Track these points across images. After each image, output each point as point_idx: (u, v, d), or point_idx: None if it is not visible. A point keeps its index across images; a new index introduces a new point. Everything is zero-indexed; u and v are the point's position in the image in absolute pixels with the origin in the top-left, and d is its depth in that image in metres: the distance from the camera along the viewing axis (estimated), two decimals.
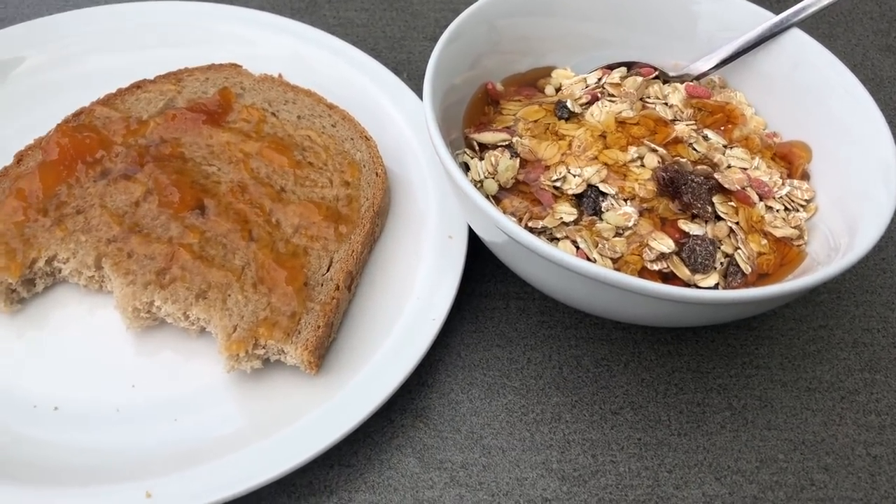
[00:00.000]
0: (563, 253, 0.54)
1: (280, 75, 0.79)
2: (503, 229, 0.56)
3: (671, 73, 0.77)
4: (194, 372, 0.62)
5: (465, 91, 0.71)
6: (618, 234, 0.63)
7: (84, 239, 0.64)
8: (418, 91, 0.79)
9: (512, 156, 0.68)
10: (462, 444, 0.62)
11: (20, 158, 0.69)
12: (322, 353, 0.61)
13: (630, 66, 0.77)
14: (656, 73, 0.76)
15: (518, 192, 0.67)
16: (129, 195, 0.67)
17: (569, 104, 0.70)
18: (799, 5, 0.72)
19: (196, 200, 0.67)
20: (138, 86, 0.75)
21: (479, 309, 0.70)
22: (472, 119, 0.72)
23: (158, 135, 0.71)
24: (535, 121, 0.70)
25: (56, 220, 0.65)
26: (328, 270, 0.64)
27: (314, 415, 0.58)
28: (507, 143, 0.69)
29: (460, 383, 0.65)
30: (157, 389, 0.60)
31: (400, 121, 0.77)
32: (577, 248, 0.63)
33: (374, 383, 0.60)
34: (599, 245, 0.63)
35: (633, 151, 0.67)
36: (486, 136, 0.69)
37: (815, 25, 0.99)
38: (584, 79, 0.75)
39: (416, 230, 0.70)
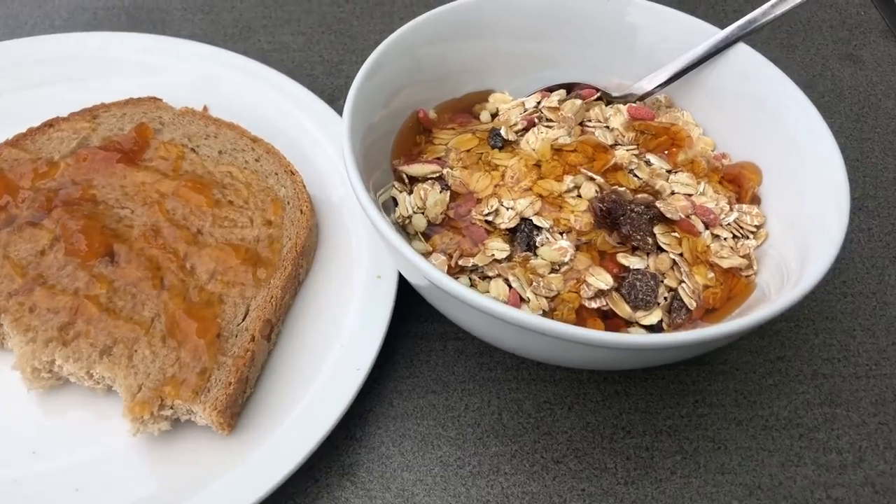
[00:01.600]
0: (487, 299, 0.50)
1: (205, 108, 0.75)
2: (424, 274, 0.52)
3: (614, 94, 0.73)
4: (101, 434, 0.57)
5: (391, 124, 0.67)
6: (553, 271, 0.59)
7: None
8: None
9: (442, 189, 0.64)
10: (392, 503, 0.58)
11: None
12: (236, 412, 0.57)
13: (571, 87, 0.73)
14: (598, 94, 0.72)
15: (449, 226, 0.63)
16: (34, 244, 0.63)
17: (503, 132, 0.66)
18: (745, 19, 0.69)
19: (105, 247, 0.62)
20: (50, 124, 0.71)
21: (414, 352, 0.65)
22: (402, 149, 0.68)
23: (69, 177, 0.67)
24: (468, 150, 0.66)
25: None
26: (244, 319, 0.60)
27: (229, 477, 0.54)
28: (437, 174, 0.65)
29: (391, 435, 0.61)
30: (61, 456, 0.56)
31: (330, 152, 0.73)
32: (511, 287, 0.59)
33: (293, 441, 0.55)
34: (534, 283, 0.59)
35: (569, 181, 0.63)
36: (416, 169, 0.65)
37: (772, 35, 0.95)
38: (523, 103, 0.71)
39: (345, 270, 0.66)
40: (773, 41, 0.95)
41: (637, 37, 0.70)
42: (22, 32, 0.87)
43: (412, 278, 0.58)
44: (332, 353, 0.60)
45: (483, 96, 0.73)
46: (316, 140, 0.74)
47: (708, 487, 0.60)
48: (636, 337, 0.50)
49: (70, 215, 0.64)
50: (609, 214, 0.60)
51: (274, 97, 0.77)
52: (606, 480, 0.60)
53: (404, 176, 0.65)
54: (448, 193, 0.63)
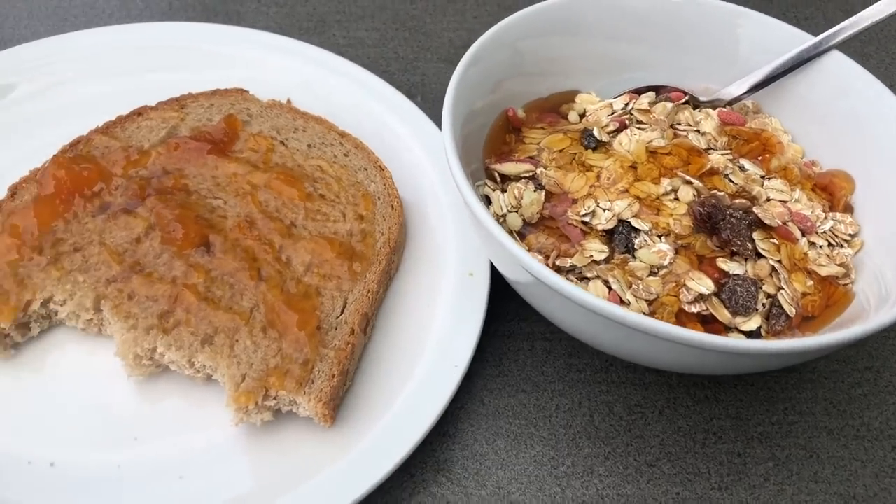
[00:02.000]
0: (595, 297, 0.50)
1: (289, 101, 0.75)
2: (529, 270, 0.52)
3: (702, 98, 0.73)
4: (201, 423, 0.57)
5: (485, 118, 0.67)
6: (652, 274, 0.59)
7: (82, 279, 0.60)
8: (433, 116, 0.75)
9: (536, 188, 0.64)
10: (488, 501, 0.58)
11: (14, 192, 0.65)
12: (337, 404, 0.57)
13: (658, 90, 0.73)
14: (686, 97, 0.72)
15: (544, 227, 0.62)
16: (129, 231, 0.63)
17: (595, 132, 0.66)
18: (838, 27, 0.68)
19: (201, 237, 0.62)
20: (139, 113, 0.71)
21: (503, 351, 0.65)
22: (493, 148, 0.68)
23: (160, 165, 0.67)
24: (561, 150, 0.66)
25: (52, 258, 0.61)
26: (342, 312, 0.60)
27: (330, 472, 0.54)
28: (530, 174, 0.65)
29: (484, 433, 0.61)
30: (162, 443, 0.56)
31: (415, 148, 0.73)
32: (609, 288, 0.58)
33: (394, 436, 0.55)
34: (633, 286, 0.58)
35: (666, 184, 0.62)
36: (509, 167, 0.65)
37: (845, 44, 0.94)
38: (610, 104, 0.71)
39: (433, 267, 0.66)
40: (846, 51, 0.94)
41: (739, 45, 0.70)
42: (100, 21, 0.88)
43: (512, 274, 0.58)
44: (427, 349, 0.60)
45: (569, 96, 0.73)
46: (398, 136, 0.74)
47: (802, 496, 0.59)
48: (751, 342, 0.49)
49: (164, 204, 0.64)
50: (709, 219, 0.60)
51: (356, 92, 0.77)
52: (700, 485, 0.59)
53: (496, 174, 0.65)
54: (543, 193, 0.63)
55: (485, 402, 0.63)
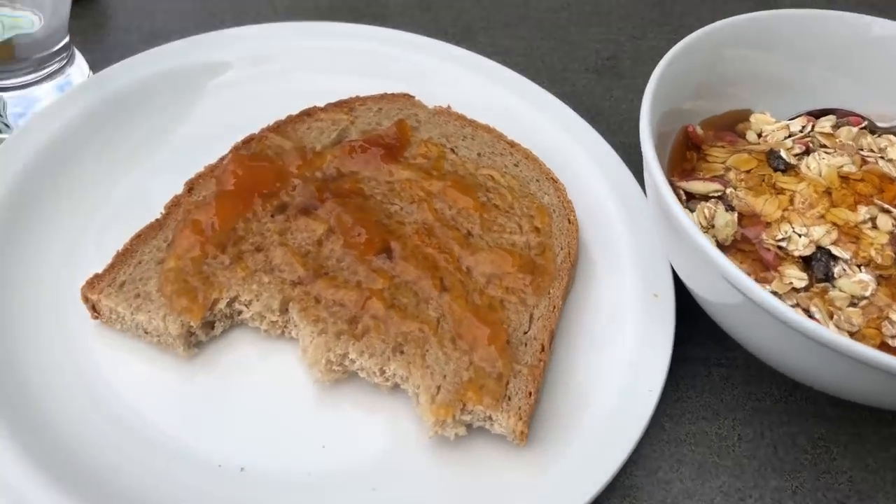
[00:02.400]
0: (822, 328, 0.48)
1: (449, 107, 0.74)
2: (744, 291, 0.50)
3: (879, 124, 0.70)
4: (388, 434, 0.56)
5: (671, 126, 0.65)
6: (852, 304, 0.57)
7: (267, 280, 0.59)
8: (597, 127, 0.74)
9: (727, 209, 0.62)
10: None
11: (191, 187, 0.65)
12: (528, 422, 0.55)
13: (831, 113, 0.71)
14: (864, 122, 0.70)
15: (737, 250, 0.61)
16: (310, 233, 0.62)
17: (783, 154, 0.64)
18: None
19: (383, 242, 0.61)
20: (308, 113, 0.71)
21: (679, 375, 0.63)
22: (673, 164, 0.66)
23: (335, 168, 0.66)
24: (748, 171, 0.64)
25: (234, 257, 0.60)
26: (529, 328, 0.59)
27: (529, 495, 0.52)
28: (719, 194, 0.63)
29: (668, 460, 0.59)
30: (351, 452, 0.55)
31: (582, 161, 0.72)
32: (812, 317, 0.56)
33: (592, 460, 0.54)
34: (835, 316, 0.56)
35: (863, 211, 0.60)
36: (697, 186, 0.63)
37: None
38: (787, 126, 0.69)
39: (608, 285, 0.64)
40: None
41: None
42: (247, 19, 0.87)
43: (713, 294, 0.56)
44: (617, 371, 0.58)
45: (744, 115, 0.71)
46: (564, 148, 0.73)
47: None
48: None
49: (343, 208, 0.63)
50: None
51: (514, 100, 0.76)
52: None
53: (682, 192, 0.64)
54: (735, 215, 0.61)
55: (665, 428, 0.61)
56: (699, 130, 0.68)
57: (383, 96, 0.73)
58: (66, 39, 0.73)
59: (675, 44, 0.63)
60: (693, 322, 0.64)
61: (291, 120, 0.70)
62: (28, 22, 0.68)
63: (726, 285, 0.52)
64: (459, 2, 0.93)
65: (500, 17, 0.91)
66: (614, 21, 0.93)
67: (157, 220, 0.63)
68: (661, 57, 0.62)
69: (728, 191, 0.63)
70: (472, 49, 0.87)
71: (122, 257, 0.60)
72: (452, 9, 0.92)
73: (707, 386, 0.63)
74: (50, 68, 0.73)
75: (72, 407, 0.55)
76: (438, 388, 0.54)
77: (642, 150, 0.57)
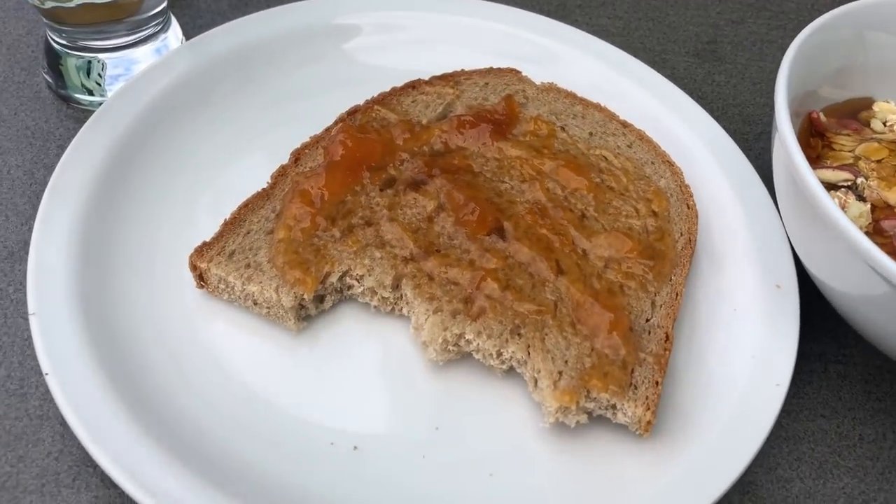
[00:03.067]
0: None
1: (555, 84, 0.72)
2: (892, 279, 0.48)
3: None
4: (503, 419, 0.54)
5: (807, 107, 0.63)
6: None
7: (379, 255, 0.57)
8: (709, 110, 0.71)
9: (858, 199, 0.59)
10: None
11: (297, 157, 0.63)
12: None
13: None
14: None
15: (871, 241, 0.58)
16: (420, 209, 0.60)
17: None
18: None
19: (495, 220, 0.59)
20: (413, 86, 0.69)
21: (795, 371, 0.60)
22: None
23: (442, 142, 0.64)
24: (879, 160, 0.61)
25: (345, 230, 0.58)
26: (652, 316, 0.56)
27: (651, 490, 0.50)
28: (849, 183, 0.60)
29: (787, 457, 0.57)
30: (466, 435, 0.53)
31: (696, 144, 0.69)
32: None
33: (716, 456, 0.51)
34: None
35: None
36: (827, 174, 0.60)
37: None
38: None
39: (729, 274, 0.62)
40: None
41: None
42: None
43: (852, 286, 0.53)
44: (742, 363, 0.56)
45: (865, 103, 0.69)
46: (674, 131, 0.70)
47: None
48: None
49: (453, 184, 0.61)
50: None
51: (623, 80, 0.73)
52: None
53: None
54: (869, 205, 0.58)
55: (783, 425, 0.58)
56: (823, 117, 0.66)
57: (489, 70, 0.70)
58: (165, 3, 0.71)
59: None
60: (807, 316, 0.62)
61: (396, 92, 0.68)
62: None
63: (869, 274, 0.50)
64: None
65: None
66: (712, 4, 0.89)
67: (264, 189, 0.61)
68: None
69: (859, 180, 0.60)
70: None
71: (230, 226, 0.59)
72: None
73: (824, 383, 0.61)
74: (146, 31, 0.71)
75: (180, 377, 0.53)
76: (560, 373, 0.52)
77: (780, 132, 0.55)
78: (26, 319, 0.56)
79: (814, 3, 0.91)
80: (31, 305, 0.52)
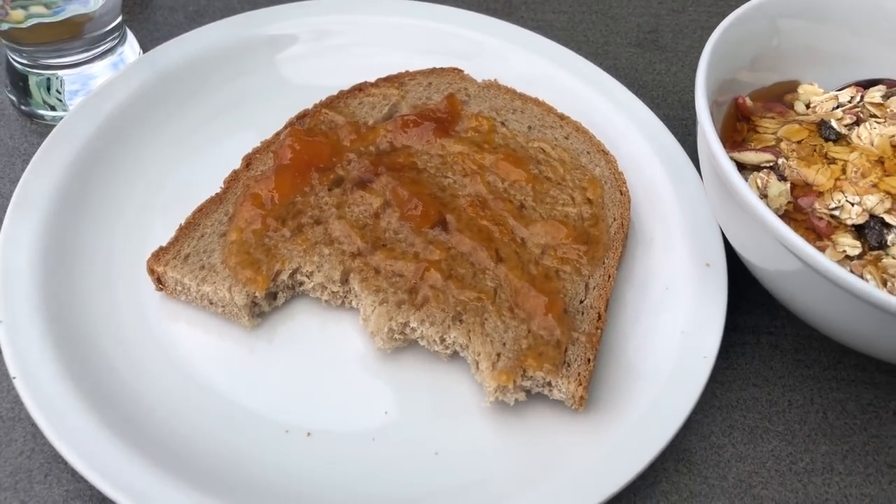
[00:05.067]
0: (878, 290, 0.49)
1: (496, 80, 0.75)
2: (802, 256, 0.51)
3: None
4: (447, 400, 0.58)
5: (727, 95, 0.66)
6: None
7: (328, 252, 0.61)
8: (644, 100, 0.75)
9: (779, 178, 0.62)
10: (731, 493, 0.57)
11: (248, 162, 0.66)
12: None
13: (877, 83, 0.71)
14: None
15: (789, 219, 0.61)
16: (367, 206, 0.63)
17: (833, 124, 0.64)
18: None
19: (438, 214, 0.63)
20: (360, 88, 0.72)
21: (729, 343, 0.65)
22: (725, 136, 0.67)
23: (388, 142, 0.68)
24: (800, 141, 0.65)
25: (294, 229, 0.62)
26: (585, 297, 0.60)
27: (587, 460, 0.54)
28: (770, 164, 0.63)
29: (720, 425, 0.60)
30: (413, 418, 0.57)
31: (631, 133, 0.72)
32: None
33: (649, 426, 0.55)
34: (889, 283, 0.57)
35: None
36: (749, 156, 0.64)
37: None
38: (836, 96, 0.69)
39: (660, 255, 0.65)
40: None
41: None
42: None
43: (769, 262, 0.57)
44: (672, 338, 0.60)
45: (791, 86, 0.72)
46: (611, 121, 0.73)
47: None
48: None
49: (398, 181, 0.64)
50: None
51: (562, 74, 0.77)
52: None
53: (733, 163, 0.64)
54: (788, 184, 0.62)
55: (716, 395, 0.62)
56: (749, 102, 0.69)
57: (433, 71, 0.74)
58: (120, 18, 0.74)
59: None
60: (740, 291, 0.65)
61: (343, 95, 0.71)
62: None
63: (783, 252, 0.53)
64: None
65: None
66: None
67: (217, 194, 0.64)
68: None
69: (780, 161, 0.63)
70: (513, 24, 0.87)
71: (185, 231, 0.62)
72: None
73: (756, 353, 0.65)
74: (103, 46, 0.74)
75: (143, 376, 0.57)
76: (499, 355, 0.56)
77: (698, 118, 0.58)
78: None
79: None
80: None
